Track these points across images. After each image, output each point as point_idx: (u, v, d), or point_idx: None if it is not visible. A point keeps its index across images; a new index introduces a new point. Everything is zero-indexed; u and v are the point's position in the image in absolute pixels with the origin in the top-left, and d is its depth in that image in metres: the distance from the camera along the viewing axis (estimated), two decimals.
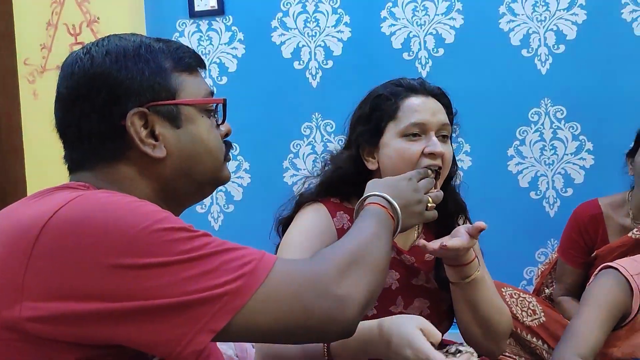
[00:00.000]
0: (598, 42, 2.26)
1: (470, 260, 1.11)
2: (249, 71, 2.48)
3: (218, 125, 0.87)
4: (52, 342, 0.67)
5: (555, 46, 2.29)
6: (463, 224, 1.26)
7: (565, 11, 2.29)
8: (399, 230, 0.94)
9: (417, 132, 1.15)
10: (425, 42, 2.37)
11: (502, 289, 1.80)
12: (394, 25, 2.38)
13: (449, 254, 1.08)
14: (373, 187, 0.97)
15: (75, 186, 0.77)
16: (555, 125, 2.31)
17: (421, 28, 2.37)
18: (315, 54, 2.43)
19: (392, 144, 1.16)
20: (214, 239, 0.72)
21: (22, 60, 2.48)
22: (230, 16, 2.48)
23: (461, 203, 1.27)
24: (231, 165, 2.45)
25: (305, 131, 2.45)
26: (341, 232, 1.15)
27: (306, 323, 0.71)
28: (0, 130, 2.53)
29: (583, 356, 1.21)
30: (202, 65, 0.86)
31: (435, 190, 1.07)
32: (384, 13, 2.38)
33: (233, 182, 2.50)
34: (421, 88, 1.19)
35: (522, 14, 2.31)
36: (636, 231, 1.81)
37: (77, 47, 0.82)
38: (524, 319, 1.81)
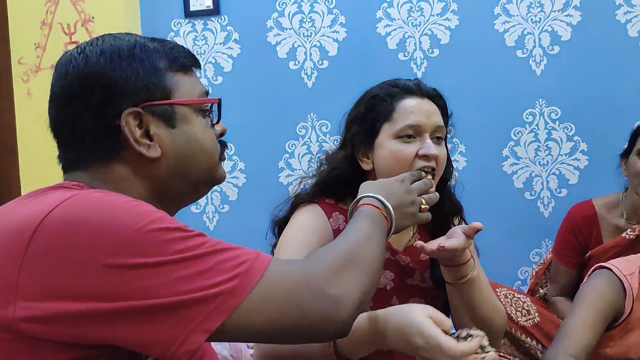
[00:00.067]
0: (592, 43, 2.27)
1: (466, 261, 1.12)
2: (244, 71, 2.47)
3: (213, 125, 0.87)
4: (46, 342, 0.66)
5: (550, 47, 2.30)
6: (458, 224, 1.26)
7: (560, 12, 2.30)
8: (392, 231, 0.95)
9: (411, 133, 1.15)
10: (420, 42, 2.37)
11: (497, 289, 1.81)
12: (390, 25, 2.38)
13: (446, 255, 1.08)
14: (366, 189, 0.98)
15: (70, 186, 0.76)
16: (549, 126, 2.31)
17: (416, 29, 2.37)
18: (310, 54, 2.43)
19: (387, 145, 1.17)
20: (209, 239, 0.72)
21: (16, 60, 2.47)
22: (225, 16, 2.48)
23: (456, 204, 1.27)
24: (226, 165, 2.45)
25: (300, 131, 2.45)
26: (337, 232, 1.15)
27: (301, 323, 0.71)
28: None
29: (575, 356, 1.22)
30: (197, 65, 0.86)
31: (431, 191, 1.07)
32: (379, 13, 2.38)
33: (228, 182, 2.50)
34: (417, 89, 1.19)
35: (517, 15, 2.32)
36: (630, 232, 1.82)
37: (71, 47, 0.82)
38: (519, 319, 1.81)
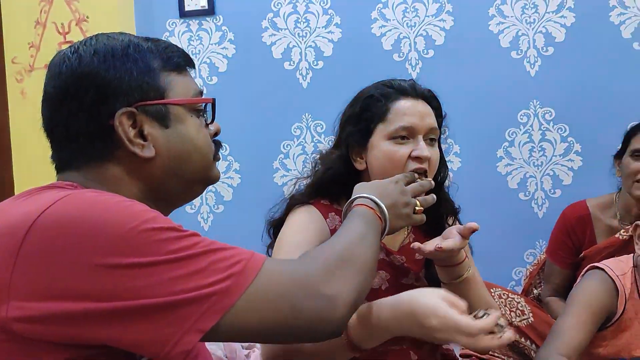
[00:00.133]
0: (586, 44, 2.28)
1: (461, 261, 1.12)
2: (239, 71, 2.47)
3: (207, 125, 0.87)
4: (39, 343, 0.66)
5: (544, 48, 2.31)
6: (452, 223, 1.26)
7: (554, 14, 2.31)
8: (386, 231, 0.95)
9: (405, 134, 1.16)
10: (415, 43, 2.37)
11: (491, 290, 1.81)
12: (385, 26, 2.39)
13: (443, 256, 1.09)
14: (360, 190, 0.98)
15: (63, 186, 0.76)
16: (544, 127, 2.32)
17: (411, 29, 2.38)
18: (305, 54, 2.43)
19: (381, 146, 1.17)
20: (203, 238, 0.71)
21: (10, 59, 2.46)
22: (220, 16, 2.47)
23: (451, 204, 1.27)
24: (221, 166, 2.44)
25: (295, 132, 2.45)
26: (334, 232, 1.15)
27: (295, 323, 0.71)
28: None
29: (567, 356, 1.23)
30: (191, 64, 0.86)
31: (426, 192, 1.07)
32: (374, 14, 2.39)
33: (223, 182, 2.50)
34: (411, 90, 1.19)
35: (512, 16, 2.32)
36: (623, 232, 1.82)
37: (65, 46, 0.81)
38: (513, 319, 1.82)
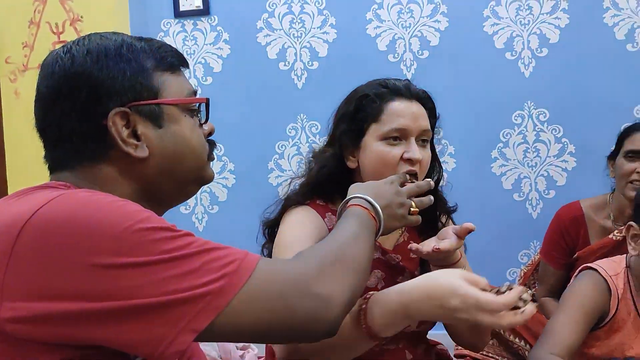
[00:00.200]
0: (580, 46, 2.29)
1: (456, 261, 1.12)
2: (234, 72, 2.47)
3: (201, 125, 0.87)
4: (32, 343, 0.66)
5: (539, 49, 2.32)
6: (446, 222, 1.27)
7: (548, 15, 2.31)
8: (381, 231, 0.95)
9: (397, 135, 1.16)
10: (410, 44, 2.38)
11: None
12: (379, 27, 2.39)
13: (440, 257, 1.09)
14: (355, 190, 0.98)
15: (56, 186, 0.76)
16: (538, 128, 2.33)
17: (406, 30, 2.38)
18: (300, 55, 2.43)
19: (373, 146, 1.17)
20: (197, 238, 0.71)
21: (3, 59, 2.45)
22: (215, 16, 2.47)
23: (446, 204, 1.27)
24: (216, 166, 2.44)
25: (290, 132, 2.45)
26: None
27: (289, 322, 0.71)
28: None
29: (559, 355, 1.23)
30: (184, 64, 0.86)
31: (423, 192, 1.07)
32: (369, 15, 2.39)
33: (218, 182, 2.49)
34: (406, 91, 1.19)
35: (506, 18, 2.33)
36: (617, 233, 1.83)
37: (59, 46, 0.81)
38: None
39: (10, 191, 2.42)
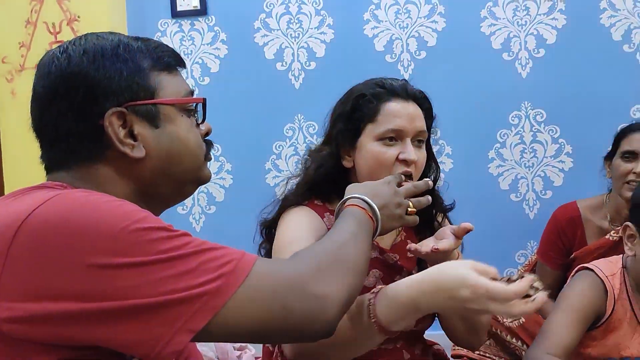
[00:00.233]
0: (577, 46, 2.29)
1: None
2: (231, 72, 2.47)
3: (198, 125, 0.87)
4: (29, 344, 0.66)
5: (536, 50, 2.32)
6: (441, 221, 1.27)
7: (545, 16, 2.32)
8: (378, 231, 0.95)
9: (393, 136, 1.16)
10: (407, 44, 2.38)
11: None
12: (377, 27, 2.39)
13: (439, 257, 1.09)
14: (352, 190, 0.98)
15: (52, 186, 0.76)
16: (535, 129, 2.33)
17: (404, 31, 2.38)
18: (298, 55, 2.43)
19: (369, 146, 1.17)
20: (194, 238, 0.71)
21: (0, 59, 2.44)
22: (212, 16, 2.47)
23: (442, 203, 1.28)
24: (213, 166, 2.44)
25: (287, 132, 2.45)
26: None
27: (286, 323, 0.71)
28: None
29: (555, 355, 1.23)
30: (181, 64, 0.86)
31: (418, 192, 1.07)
32: (367, 15, 2.39)
33: (215, 183, 2.49)
34: (402, 91, 1.20)
35: (503, 18, 2.34)
36: (614, 233, 1.83)
37: (56, 46, 0.81)
38: (504, 320, 1.82)
39: (6, 191, 2.41)
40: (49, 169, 0.81)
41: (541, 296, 0.83)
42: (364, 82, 1.24)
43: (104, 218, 0.67)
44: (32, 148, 0.84)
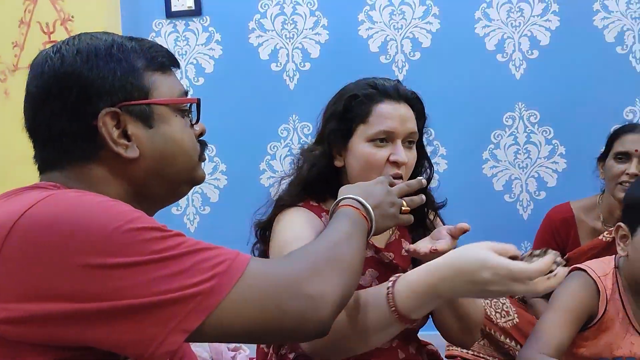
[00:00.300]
0: (571, 48, 2.30)
1: None
2: (226, 72, 2.47)
3: (192, 125, 0.87)
4: (22, 344, 0.66)
5: (529, 51, 2.33)
6: (433, 219, 1.28)
7: (539, 17, 2.33)
8: (373, 231, 0.95)
9: (384, 137, 1.17)
10: (402, 45, 2.38)
11: None
12: (371, 28, 2.39)
13: (436, 257, 1.09)
14: (345, 192, 0.98)
15: (45, 186, 0.75)
16: (529, 129, 2.34)
17: (398, 32, 2.39)
18: (292, 56, 2.43)
19: (360, 147, 1.18)
20: (187, 238, 0.71)
21: None
22: (207, 17, 2.47)
23: (433, 202, 1.28)
24: (207, 167, 2.43)
25: (282, 133, 2.45)
26: None
27: (280, 323, 0.71)
28: None
29: (548, 355, 1.24)
30: (175, 64, 0.86)
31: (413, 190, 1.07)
32: (361, 16, 2.39)
33: (209, 183, 2.49)
34: (394, 93, 1.20)
35: (497, 20, 2.34)
36: (607, 234, 1.84)
37: (50, 46, 0.80)
38: (498, 320, 1.83)
39: None
40: (42, 169, 0.81)
41: (562, 270, 0.81)
42: (355, 81, 1.25)
43: (97, 218, 0.67)
44: (26, 148, 0.83)
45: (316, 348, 0.96)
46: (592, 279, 1.34)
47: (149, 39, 0.89)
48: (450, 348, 1.80)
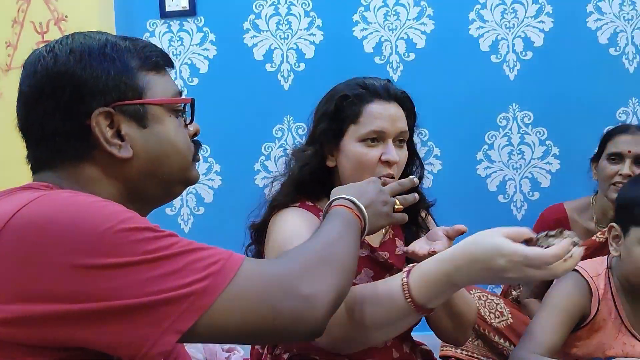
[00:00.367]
0: (564, 49, 2.31)
1: None
2: (220, 73, 2.46)
3: (186, 125, 0.86)
4: (16, 346, 0.65)
5: (523, 53, 2.34)
6: (425, 217, 1.28)
7: (533, 19, 2.34)
8: (367, 230, 0.95)
9: (375, 137, 1.18)
10: (396, 46, 2.39)
11: (471, 291, 1.82)
12: (366, 29, 2.40)
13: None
14: (338, 192, 0.98)
15: (38, 186, 0.75)
16: (522, 130, 2.35)
17: (393, 33, 2.39)
18: (287, 56, 2.43)
19: (351, 147, 1.19)
20: (180, 239, 0.71)
21: None
22: (201, 17, 2.46)
23: (424, 200, 1.29)
24: (202, 167, 2.43)
25: (277, 133, 2.44)
26: None
27: (274, 323, 0.71)
28: None
29: (541, 355, 1.24)
30: (170, 64, 0.86)
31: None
32: (356, 17, 2.40)
33: (203, 184, 2.48)
34: (384, 93, 1.20)
35: (491, 21, 2.35)
36: (600, 235, 1.85)
37: (43, 45, 0.80)
38: (492, 321, 1.83)
39: None
40: (35, 169, 0.81)
41: (578, 251, 0.81)
42: (346, 82, 1.25)
43: (90, 218, 0.67)
44: (19, 148, 0.83)
45: (335, 341, 0.95)
46: (585, 279, 1.35)
47: (143, 39, 0.89)
48: (444, 348, 1.80)
